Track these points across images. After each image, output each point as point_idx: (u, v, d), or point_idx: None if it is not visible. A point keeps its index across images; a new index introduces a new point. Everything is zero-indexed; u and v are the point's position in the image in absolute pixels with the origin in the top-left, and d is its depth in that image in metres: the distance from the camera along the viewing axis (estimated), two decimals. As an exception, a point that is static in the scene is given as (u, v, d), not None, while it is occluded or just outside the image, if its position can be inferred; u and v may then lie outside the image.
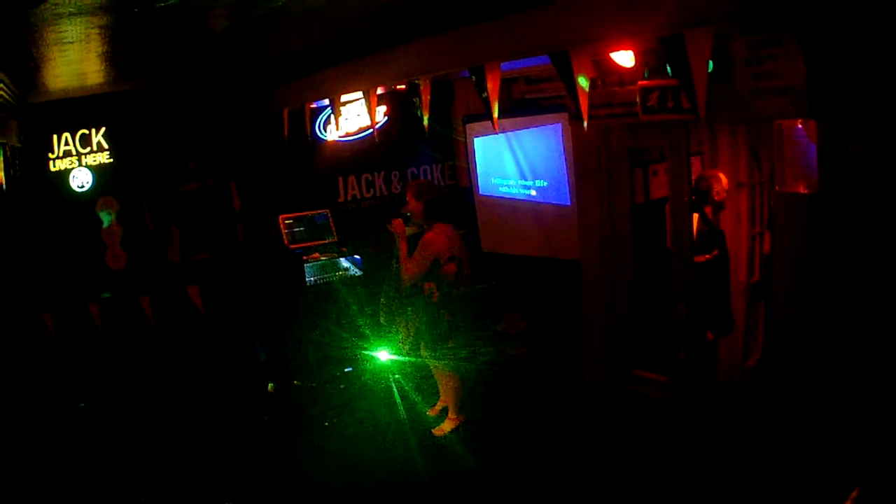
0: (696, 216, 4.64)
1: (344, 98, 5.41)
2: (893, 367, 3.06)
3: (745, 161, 5.02)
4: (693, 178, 4.57)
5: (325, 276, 6.56)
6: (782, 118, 3.33)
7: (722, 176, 4.80)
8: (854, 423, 3.19)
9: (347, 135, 7.21)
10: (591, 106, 4.54)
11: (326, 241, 6.78)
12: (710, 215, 4.83)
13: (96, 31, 3.27)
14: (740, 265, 5.07)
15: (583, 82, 3.16)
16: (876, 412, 3.09)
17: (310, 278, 6.48)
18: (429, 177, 7.71)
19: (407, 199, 4.99)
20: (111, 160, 6.31)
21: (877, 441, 3.09)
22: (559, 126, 6.12)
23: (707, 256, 4.74)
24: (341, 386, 6.00)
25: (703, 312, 4.56)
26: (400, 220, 4.92)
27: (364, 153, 7.31)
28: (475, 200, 7.34)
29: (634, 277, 4.95)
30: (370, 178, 7.50)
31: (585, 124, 3.29)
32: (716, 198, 4.76)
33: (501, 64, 3.62)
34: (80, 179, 6.24)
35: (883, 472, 3.02)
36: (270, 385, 6.13)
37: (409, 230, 4.99)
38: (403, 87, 6.12)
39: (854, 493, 2.91)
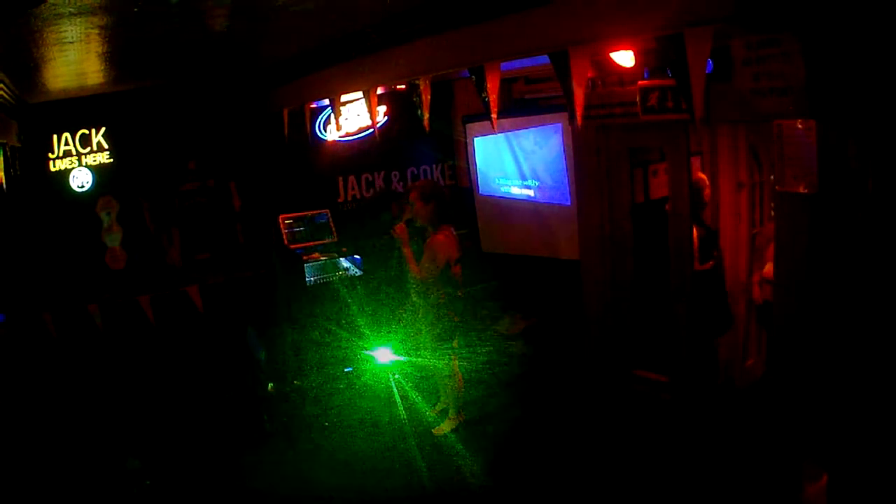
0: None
1: (344, 98, 5.41)
2: (893, 365, 3.06)
3: (745, 161, 5.03)
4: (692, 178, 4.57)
5: (325, 276, 6.56)
6: (782, 118, 3.33)
7: (703, 176, 4.85)
8: (848, 419, 3.20)
9: (347, 135, 7.21)
10: (591, 106, 4.56)
11: (326, 241, 6.77)
12: (703, 217, 4.83)
13: (96, 31, 3.28)
14: (740, 265, 5.07)
15: (578, 87, 3.17)
16: (871, 408, 3.10)
17: (310, 278, 6.48)
18: (429, 177, 7.71)
19: (411, 200, 4.90)
20: (111, 160, 6.32)
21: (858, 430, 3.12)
22: (559, 126, 6.13)
23: (709, 265, 4.74)
24: (341, 386, 5.99)
25: (703, 314, 4.56)
26: (403, 225, 4.87)
27: (364, 153, 7.31)
28: (475, 200, 7.34)
29: (635, 277, 4.95)
30: (370, 178, 7.50)
31: (579, 124, 3.30)
32: (706, 199, 4.78)
33: (501, 64, 3.62)
34: (80, 179, 6.24)
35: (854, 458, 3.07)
36: (270, 385, 6.13)
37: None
38: (403, 87, 6.14)
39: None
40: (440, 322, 4.85)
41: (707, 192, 4.79)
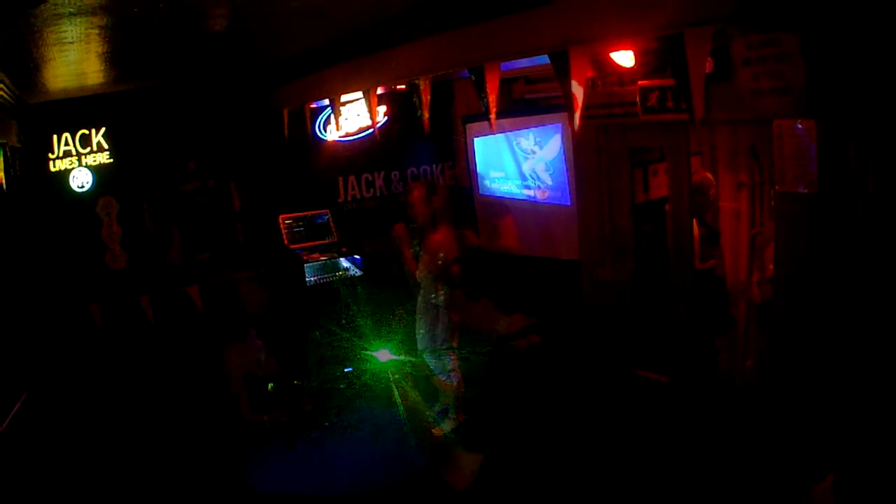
0: (694, 220, 4.64)
1: (344, 98, 5.41)
2: (892, 365, 3.06)
3: (745, 161, 5.02)
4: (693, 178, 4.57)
5: (325, 276, 6.56)
6: (782, 118, 3.33)
7: (709, 175, 4.82)
8: (845, 417, 3.21)
9: (347, 135, 7.21)
10: (591, 106, 4.56)
11: (326, 241, 6.78)
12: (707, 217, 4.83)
13: (96, 31, 3.28)
14: (740, 265, 5.06)
15: (577, 87, 3.17)
16: (874, 408, 3.10)
17: (310, 278, 6.48)
18: (429, 177, 7.72)
19: (412, 201, 4.92)
20: (111, 160, 6.31)
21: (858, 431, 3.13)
22: (559, 126, 6.12)
23: (710, 264, 4.74)
24: (341, 386, 5.99)
25: (703, 314, 4.56)
26: (402, 224, 4.90)
27: (364, 153, 7.31)
28: (475, 200, 7.34)
29: (635, 277, 4.95)
30: (370, 178, 7.50)
31: (578, 125, 3.31)
32: (711, 199, 4.75)
33: (501, 64, 3.62)
34: (80, 179, 6.24)
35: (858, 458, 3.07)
36: (270, 385, 6.12)
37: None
38: (403, 87, 6.14)
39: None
40: (440, 322, 4.86)
41: (713, 191, 4.77)
